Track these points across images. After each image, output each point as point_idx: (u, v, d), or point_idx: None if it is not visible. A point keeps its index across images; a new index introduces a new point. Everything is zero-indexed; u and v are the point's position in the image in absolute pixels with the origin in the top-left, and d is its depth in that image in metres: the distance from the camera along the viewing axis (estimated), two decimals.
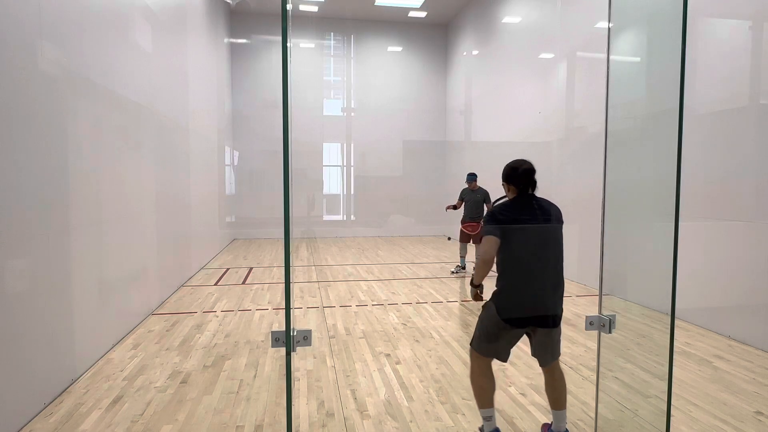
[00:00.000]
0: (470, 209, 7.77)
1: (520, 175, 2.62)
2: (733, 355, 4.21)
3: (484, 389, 2.68)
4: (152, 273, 5.71)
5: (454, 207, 8.08)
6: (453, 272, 8.14)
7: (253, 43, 13.37)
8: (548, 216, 2.61)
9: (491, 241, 2.55)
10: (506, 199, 2.72)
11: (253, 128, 13.01)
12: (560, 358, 4.12)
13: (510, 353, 2.69)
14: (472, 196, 7.79)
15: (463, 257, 8.08)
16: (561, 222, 2.68)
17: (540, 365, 2.77)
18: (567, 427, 2.74)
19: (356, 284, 7.22)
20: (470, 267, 8.25)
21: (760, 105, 4.52)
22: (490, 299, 2.64)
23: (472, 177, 7.87)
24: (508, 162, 2.73)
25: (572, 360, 4.10)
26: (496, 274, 2.66)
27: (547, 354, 2.69)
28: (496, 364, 3.95)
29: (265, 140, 12.65)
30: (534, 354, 2.75)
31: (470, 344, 2.76)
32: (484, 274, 2.69)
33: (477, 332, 2.71)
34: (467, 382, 3.61)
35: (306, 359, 4.09)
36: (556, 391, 2.72)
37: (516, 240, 2.55)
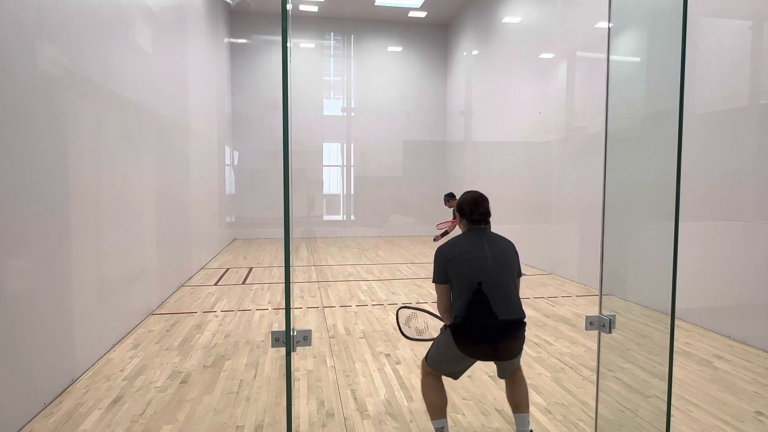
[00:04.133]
0: None
1: (476, 215, 2.58)
2: (733, 355, 4.21)
3: (435, 403, 2.65)
4: (152, 273, 5.71)
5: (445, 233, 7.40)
6: None
7: (253, 43, 13.38)
8: (496, 249, 2.55)
9: (441, 290, 2.56)
10: (457, 235, 2.68)
11: (253, 128, 13.01)
12: (561, 358, 4.14)
13: (463, 374, 2.67)
14: None
15: None
16: (513, 255, 2.61)
17: (500, 377, 2.75)
18: (567, 425, 2.74)
19: (356, 284, 7.23)
20: None
21: (760, 105, 4.53)
22: (448, 327, 2.58)
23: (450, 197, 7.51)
24: (465, 192, 2.69)
25: (572, 360, 4.10)
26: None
27: (505, 372, 2.69)
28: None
29: (265, 140, 12.66)
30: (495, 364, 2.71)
31: (424, 359, 2.71)
32: (450, 317, 2.60)
33: (434, 351, 2.66)
34: (467, 382, 3.61)
35: (306, 359, 4.09)
36: (515, 394, 2.68)
37: (465, 273, 2.48)
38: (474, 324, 2.44)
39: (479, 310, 2.45)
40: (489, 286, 2.47)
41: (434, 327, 2.93)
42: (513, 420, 3.07)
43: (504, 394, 3.43)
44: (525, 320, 2.55)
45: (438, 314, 2.77)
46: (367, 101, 13.91)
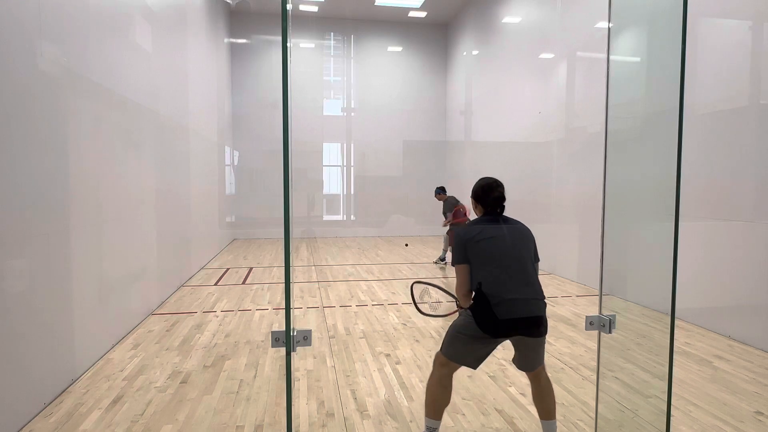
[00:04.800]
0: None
1: (491, 200, 2.64)
2: (733, 355, 4.21)
3: (437, 400, 2.60)
4: (152, 273, 5.71)
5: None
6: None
7: (253, 43, 13.37)
8: (514, 230, 2.59)
9: (462, 271, 2.54)
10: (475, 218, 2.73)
11: (253, 128, 13.01)
12: (560, 358, 4.13)
13: (481, 363, 2.60)
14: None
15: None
16: (530, 238, 2.64)
17: (521, 369, 2.68)
18: (567, 425, 2.73)
19: (356, 284, 7.22)
20: None
21: (760, 105, 4.52)
22: (469, 309, 2.55)
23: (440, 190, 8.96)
24: (480, 179, 2.75)
25: (572, 360, 4.10)
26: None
27: (528, 361, 2.61)
28: (495, 363, 3.95)
29: (265, 140, 12.66)
30: (515, 360, 2.67)
31: (440, 350, 2.64)
32: (469, 301, 2.58)
33: (450, 339, 2.60)
34: (467, 382, 3.62)
35: (306, 359, 4.09)
36: (544, 400, 2.65)
37: (484, 253, 2.51)
38: (496, 300, 2.43)
39: (501, 287, 2.45)
40: (509, 265, 2.49)
41: (446, 305, 2.93)
42: (513, 420, 3.07)
43: (504, 395, 3.43)
44: (545, 300, 2.55)
45: (454, 294, 2.73)
46: (367, 101, 13.91)
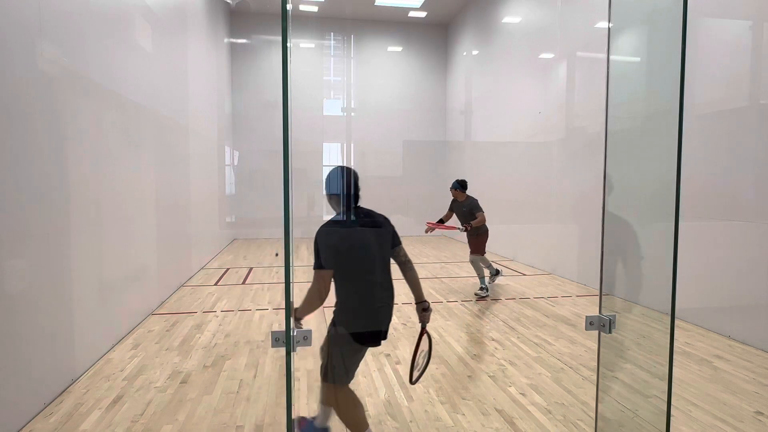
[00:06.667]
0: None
1: (345, 186, 2.51)
2: (733, 355, 4.21)
3: (359, 415, 2.57)
4: (152, 273, 5.71)
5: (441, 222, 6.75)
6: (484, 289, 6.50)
7: (253, 43, 13.37)
8: (373, 223, 2.57)
9: (325, 276, 2.41)
10: (333, 216, 2.52)
11: (253, 128, 13.00)
12: (560, 358, 4.15)
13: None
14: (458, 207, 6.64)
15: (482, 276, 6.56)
16: (388, 229, 2.65)
17: (349, 382, 2.64)
18: (567, 425, 2.73)
19: None
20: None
21: (760, 105, 4.52)
22: (337, 326, 2.50)
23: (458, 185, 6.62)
24: (332, 169, 2.56)
25: (572, 360, 4.10)
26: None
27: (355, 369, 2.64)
28: (495, 363, 3.95)
29: (265, 140, 12.64)
30: (350, 374, 2.64)
31: (326, 381, 2.56)
32: (313, 311, 2.48)
33: (333, 364, 2.51)
34: (467, 381, 3.61)
35: (306, 359, 4.09)
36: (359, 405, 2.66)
37: (349, 261, 2.43)
38: (364, 311, 2.50)
39: (364, 295, 2.51)
40: (375, 272, 2.53)
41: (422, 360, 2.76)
42: (513, 420, 3.06)
43: (504, 395, 3.43)
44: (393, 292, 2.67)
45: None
46: (367, 101, 13.90)
